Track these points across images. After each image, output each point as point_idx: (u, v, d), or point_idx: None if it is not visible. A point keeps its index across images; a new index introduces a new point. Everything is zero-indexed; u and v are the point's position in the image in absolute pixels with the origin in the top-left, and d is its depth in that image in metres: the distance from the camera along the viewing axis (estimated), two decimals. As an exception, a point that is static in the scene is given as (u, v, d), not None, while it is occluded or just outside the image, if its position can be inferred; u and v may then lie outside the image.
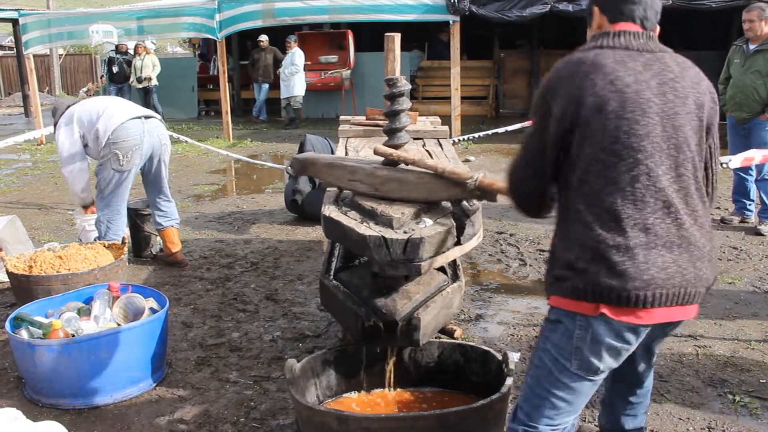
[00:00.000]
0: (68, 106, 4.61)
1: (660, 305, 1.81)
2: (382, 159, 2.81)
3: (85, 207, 4.84)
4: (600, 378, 1.97)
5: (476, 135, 8.48)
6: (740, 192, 5.92)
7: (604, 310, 1.82)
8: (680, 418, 2.94)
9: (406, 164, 2.69)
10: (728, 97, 5.69)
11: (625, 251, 1.79)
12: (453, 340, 2.94)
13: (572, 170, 1.86)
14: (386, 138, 2.97)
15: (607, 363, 1.92)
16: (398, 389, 2.83)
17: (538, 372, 2.00)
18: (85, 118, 4.45)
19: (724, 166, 4.94)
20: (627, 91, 1.81)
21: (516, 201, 2.07)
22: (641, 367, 2.29)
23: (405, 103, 2.88)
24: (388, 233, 2.37)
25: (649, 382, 2.37)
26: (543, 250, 5.29)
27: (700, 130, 1.90)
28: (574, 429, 2.11)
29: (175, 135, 4.93)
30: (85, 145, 4.49)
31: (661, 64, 1.89)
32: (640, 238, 1.80)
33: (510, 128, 7.86)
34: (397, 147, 2.89)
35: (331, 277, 2.86)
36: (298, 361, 2.61)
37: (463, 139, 9.22)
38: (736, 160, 4.85)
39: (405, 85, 2.88)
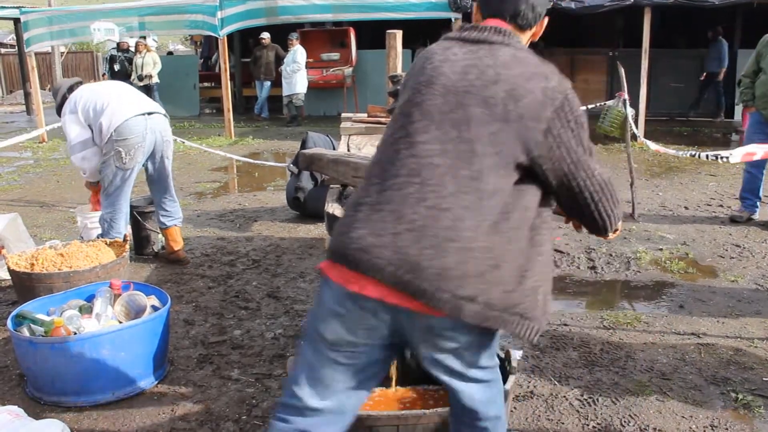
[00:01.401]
0: (70, 88, 4.57)
1: (365, 273, 1.64)
2: None
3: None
4: (339, 351, 1.76)
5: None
6: (750, 190, 5.86)
7: (322, 266, 1.74)
8: (683, 416, 2.93)
9: None
10: (760, 94, 5.51)
11: (356, 208, 1.71)
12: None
13: None
14: None
15: (336, 332, 1.74)
16: (400, 387, 2.82)
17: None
18: (90, 108, 4.40)
19: (724, 160, 4.93)
20: (428, 68, 1.78)
21: None
22: (446, 384, 1.83)
23: None
24: None
25: (477, 406, 1.86)
26: (545, 248, 5.28)
27: (501, 119, 1.66)
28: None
29: (173, 137, 4.89)
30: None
31: (488, 52, 1.75)
32: (373, 197, 1.69)
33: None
34: None
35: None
36: (300, 359, 2.60)
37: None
38: (736, 155, 4.82)
39: None
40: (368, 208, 1.69)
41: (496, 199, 1.66)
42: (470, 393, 1.83)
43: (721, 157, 4.91)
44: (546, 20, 1.92)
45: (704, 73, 12.12)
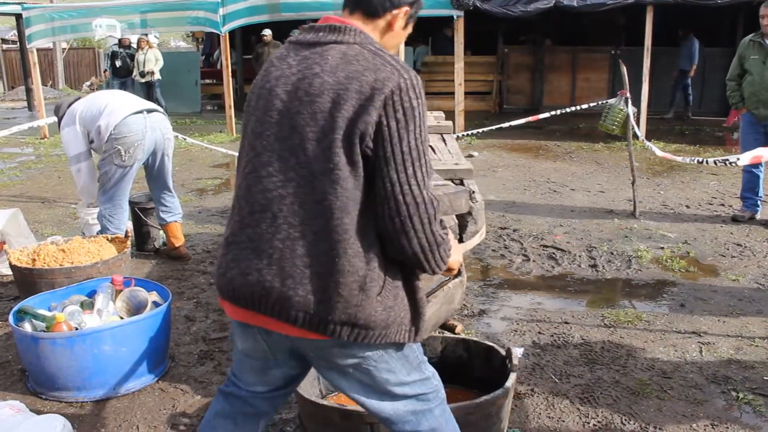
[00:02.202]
0: (70, 104, 4.63)
1: (234, 303, 1.76)
2: None
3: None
4: (252, 358, 1.89)
5: (480, 130, 8.46)
6: (750, 189, 5.87)
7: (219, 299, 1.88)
8: (683, 415, 2.93)
9: None
10: (749, 94, 5.59)
11: (227, 247, 1.77)
12: (456, 336, 2.94)
13: None
14: None
15: (245, 344, 1.88)
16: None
17: None
18: (87, 115, 4.46)
19: (732, 164, 4.93)
20: (265, 88, 1.74)
21: None
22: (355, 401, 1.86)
23: None
24: None
25: (388, 423, 1.89)
26: (546, 246, 5.28)
27: (330, 131, 1.60)
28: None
29: (174, 133, 4.91)
30: (91, 141, 4.50)
31: (319, 57, 1.69)
32: (238, 235, 1.74)
33: (514, 123, 7.85)
34: None
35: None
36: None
37: (467, 135, 9.21)
38: (744, 158, 4.83)
39: None
40: (235, 248, 1.74)
41: (345, 216, 1.62)
42: (376, 410, 1.84)
43: (730, 162, 4.93)
44: (406, 10, 1.79)
45: (675, 71, 12.26)
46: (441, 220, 1.73)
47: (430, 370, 1.90)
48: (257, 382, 1.94)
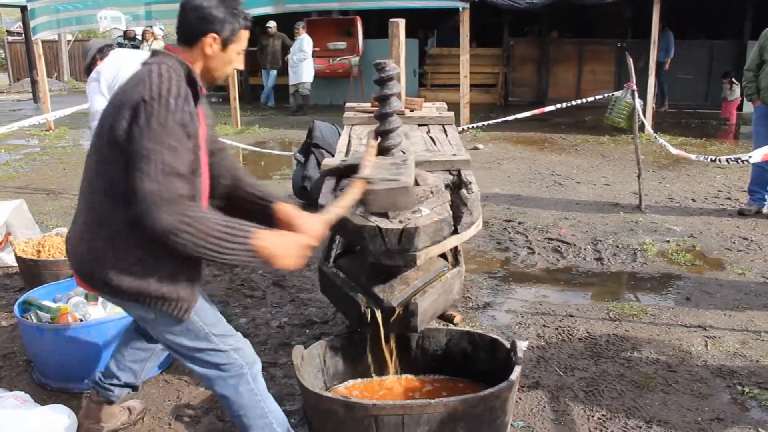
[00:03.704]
0: (100, 49, 4.73)
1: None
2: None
3: None
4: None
5: (485, 123, 8.44)
6: (758, 183, 5.82)
7: None
8: (688, 409, 2.92)
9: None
10: (765, 85, 5.50)
11: None
12: (461, 328, 2.93)
13: None
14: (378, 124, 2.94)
15: None
16: (405, 376, 2.83)
17: None
18: (113, 80, 4.55)
19: (744, 163, 4.90)
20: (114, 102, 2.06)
21: None
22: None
23: (395, 87, 2.85)
24: (384, 223, 2.36)
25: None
26: (551, 239, 5.27)
27: (99, 140, 2.06)
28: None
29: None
30: None
31: (139, 72, 2.05)
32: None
33: (519, 116, 7.82)
34: (388, 132, 2.86)
35: (331, 263, 2.85)
36: (305, 348, 2.60)
37: (472, 127, 9.18)
38: (756, 156, 4.80)
39: (394, 69, 2.86)
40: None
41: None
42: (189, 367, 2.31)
43: (742, 160, 4.91)
44: (212, 40, 2.09)
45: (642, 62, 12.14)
46: None
47: (230, 344, 2.25)
48: None
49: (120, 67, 4.58)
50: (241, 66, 2.21)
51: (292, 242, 2.08)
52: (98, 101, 4.58)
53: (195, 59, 2.11)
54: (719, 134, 10.36)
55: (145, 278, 2.05)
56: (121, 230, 2.03)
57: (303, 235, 2.13)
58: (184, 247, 1.93)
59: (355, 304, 2.49)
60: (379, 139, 2.89)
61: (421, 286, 2.57)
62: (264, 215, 2.31)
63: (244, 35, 2.16)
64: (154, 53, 2.12)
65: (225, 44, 2.11)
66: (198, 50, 2.10)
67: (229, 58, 2.15)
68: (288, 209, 2.32)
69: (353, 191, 2.36)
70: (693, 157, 5.73)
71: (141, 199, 1.89)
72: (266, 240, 2.01)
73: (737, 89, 11.11)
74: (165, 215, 1.89)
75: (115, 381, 2.64)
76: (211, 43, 2.09)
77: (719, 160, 5.33)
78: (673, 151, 5.79)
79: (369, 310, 2.46)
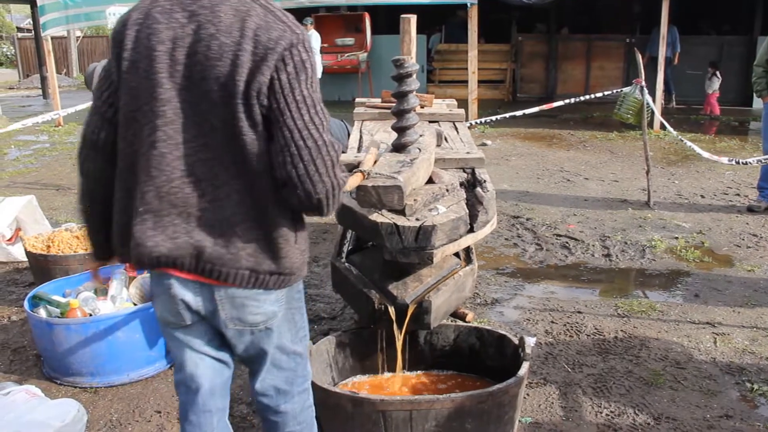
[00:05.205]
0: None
1: (158, 267, 1.72)
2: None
3: None
4: (179, 331, 1.82)
5: (493, 119, 8.41)
6: (767, 179, 5.81)
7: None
8: (697, 406, 2.91)
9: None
10: None
11: (134, 215, 1.72)
12: (469, 324, 2.93)
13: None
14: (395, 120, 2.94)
15: (163, 314, 1.82)
16: (414, 372, 2.83)
17: None
18: None
19: (763, 162, 4.86)
20: (158, 50, 1.64)
21: None
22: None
23: (413, 83, 2.85)
24: (401, 220, 2.35)
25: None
26: (560, 235, 5.26)
27: (232, 98, 1.60)
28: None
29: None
30: None
31: (210, 13, 1.63)
32: (149, 203, 1.68)
33: (527, 112, 7.79)
34: (406, 128, 2.86)
35: (343, 259, 2.85)
36: (314, 343, 2.61)
37: (480, 123, 9.16)
38: None
39: (413, 66, 2.85)
40: (153, 216, 1.67)
41: (259, 176, 1.66)
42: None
43: (759, 161, 4.87)
44: None
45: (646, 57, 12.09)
46: (342, 165, 1.76)
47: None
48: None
49: None
50: None
51: None
52: None
53: None
54: (731, 131, 10.28)
55: (300, 251, 1.78)
56: (276, 207, 1.71)
57: None
58: (328, 209, 1.74)
59: (369, 301, 2.49)
60: (381, 146, 2.89)
61: (434, 283, 2.57)
62: None
63: None
64: None
65: None
66: None
67: None
68: None
69: (349, 182, 2.34)
70: (725, 161, 5.67)
71: (311, 151, 1.64)
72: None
73: (717, 81, 11.08)
74: (338, 170, 1.70)
75: None
76: None
77: (738, 162, 5.29)
78: (705, 155, 5.71)
79: (382, 306, 2.46)
